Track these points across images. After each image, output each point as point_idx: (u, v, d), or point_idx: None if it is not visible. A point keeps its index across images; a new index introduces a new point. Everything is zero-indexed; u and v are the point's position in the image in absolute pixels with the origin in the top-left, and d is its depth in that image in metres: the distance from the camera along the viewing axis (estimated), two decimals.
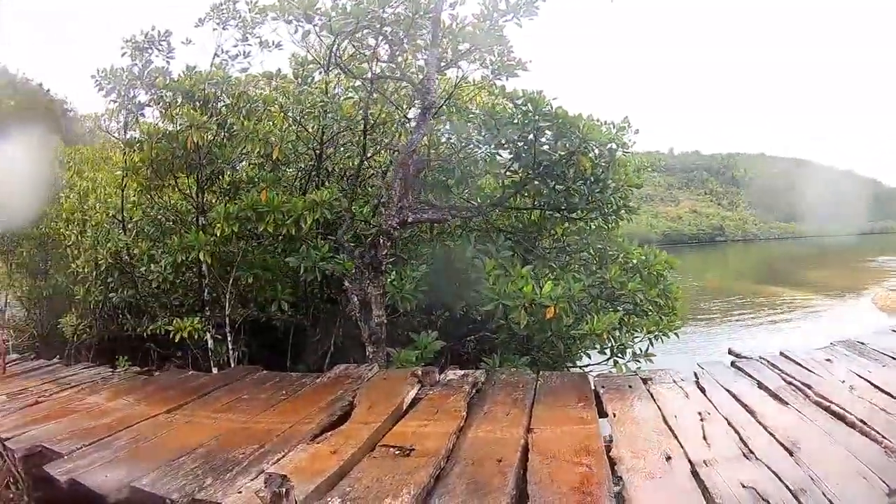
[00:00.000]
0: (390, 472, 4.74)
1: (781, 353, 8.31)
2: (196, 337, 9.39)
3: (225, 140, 9.62)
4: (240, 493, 4.75)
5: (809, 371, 7.46)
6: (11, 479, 6.75)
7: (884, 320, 20.34)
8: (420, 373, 7.36)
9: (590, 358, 9.52)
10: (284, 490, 4.24)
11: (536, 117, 8.59)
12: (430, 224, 9.67)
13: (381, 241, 8.45)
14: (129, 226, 11.24)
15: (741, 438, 5.36)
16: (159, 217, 10.95)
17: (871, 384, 6.90)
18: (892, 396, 6.45)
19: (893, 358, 8.18)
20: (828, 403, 6.16)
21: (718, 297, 30.35)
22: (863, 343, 9.04)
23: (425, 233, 9.94)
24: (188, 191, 10.44)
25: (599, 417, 6.06)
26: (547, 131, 8.74)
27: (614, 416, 6.02)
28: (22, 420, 7.60)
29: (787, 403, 6.35)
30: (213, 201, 10.29)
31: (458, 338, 9.35)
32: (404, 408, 6.43)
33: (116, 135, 12.08)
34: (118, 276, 11.24)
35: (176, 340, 9.45)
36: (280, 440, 5.78)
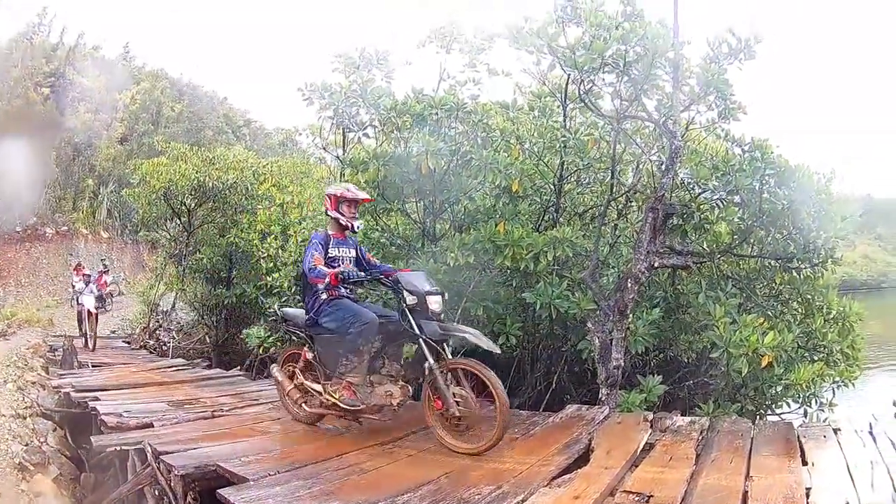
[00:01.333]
0: None
1: None
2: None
3: (460, 168, 9.44)
4: None
5: None
6: (156, 493, 6.31)
7: None
8: (651, 418, 7.26)
9: (789, 406, 9.34)
10: None
11: (762, 165, 8.45)
12: (677, 269, 9.38)
13: (630, 284, 8.27)
14: None
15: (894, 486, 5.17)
16: (382, 240, 10.69)
17: None
18: None
19: None
20: None
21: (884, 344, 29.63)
22: None
23: (659, 276, 9.68)
24: (416, 216, 10.31)
25: (802, 465, 5.84)
26: (771, 179, 8.55)
27: (812, 464, 5.82)
28: (191, 433, 7.34)
29: None
30: (444, 229, 10.17)
31: (673, 382, 9.14)
32: (638, 452, 6.19)
33: (329, 151, 11.99)
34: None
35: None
36: (518, 481, 5.40)
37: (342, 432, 7.48)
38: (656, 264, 8.46)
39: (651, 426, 7.00)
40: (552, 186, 9.90)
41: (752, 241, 9.20)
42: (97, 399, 9.21)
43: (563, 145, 9.26)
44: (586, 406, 8.04)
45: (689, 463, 5.77)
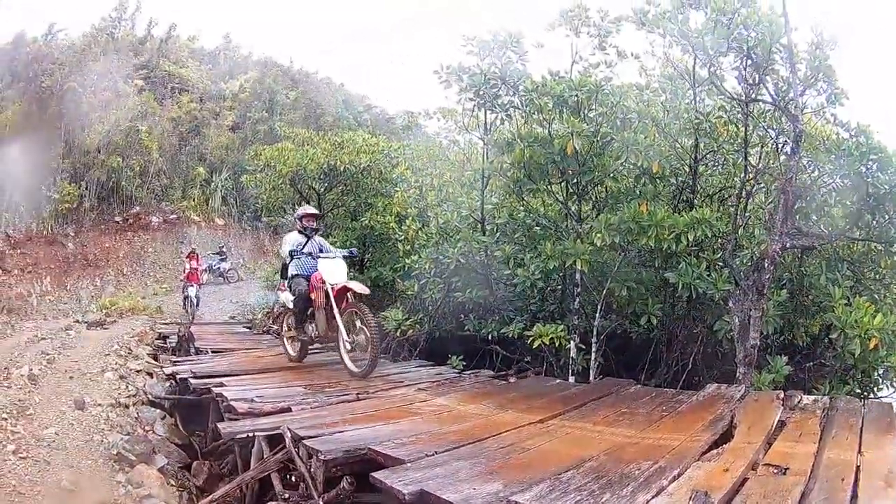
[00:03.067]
0: (774, 490, 4.71)
1: None
2: (557, 344, 9.46)
3: (601, 149, 9.71)
4: None
5: None
6: (291, 479, 6.43)
7: None
8: (782, 396, 7.58)
9: (887, 388, 9.67)
10: None
11: (867, 149, 8.70)
12: (806, 250, 9.63)
13: (766, 264, 8.52)
14: (490, 227, 11.40)
15: None
16: (527, 221, 11.01)
17: None
18: None
19: None
20: None
21: None
22: None
23: (784, 259, 9.77)
24: (561, 196, 10.50)
25: None
26: (874, 164, 8.81)
27: None
28: (334, 417, 7.39)
29: None
30: (586, 210, 10.38)
31: (794, 363, 9.30)
32: (773, 429, 6.44)
33: (471, 132, 12.46)
34: (464, 276, 11.28)
35: (534, 346, 9.51)
36: (672, 457, 5.56)
37: (493, 410, 7.72)
38: (787, 245, 8.71)
39: (783, 404, 7.32)
40: (688, 168, 10.22)
41: (860, 224, 9.27)
42: (222, 385, 9.30)
43: (695, 127, 9.62)
44: (725, 385, 8.35)
45: (815, 438, 6.07)
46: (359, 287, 10.38)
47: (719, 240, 9.28)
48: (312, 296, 10.97)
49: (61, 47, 38.27)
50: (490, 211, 11.55)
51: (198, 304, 22.76)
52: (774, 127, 9.87)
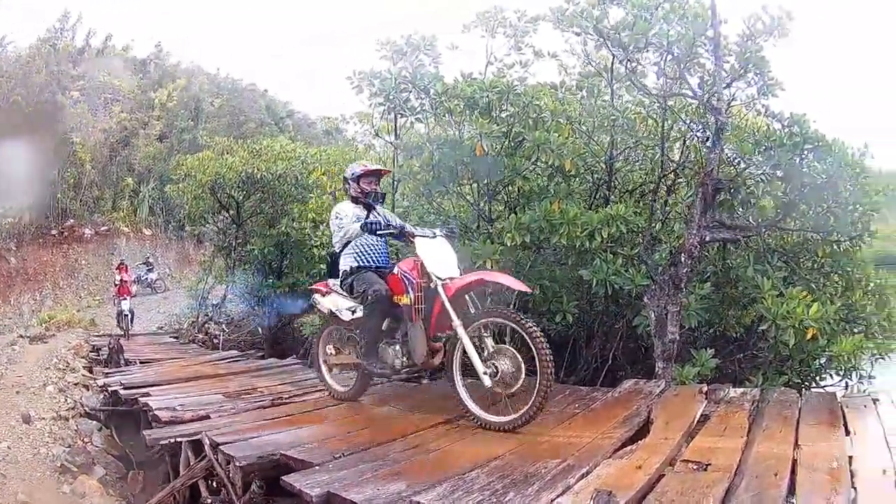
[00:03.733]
0: (692, 487, 4.67)
1: None
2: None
3: (513, 150, 9.58)
4: None
5: None
6: (213, 484, 6.53)
7: None
8: (706, 390, 7.40)
9: (831, 378, 9.40)
10: None
11: (801, 139, 8.67)
12: (727, 243, 9.60)
13: (683, 258, 8.43)
14: None
15: None
16: (438, 223, 10.41)
17: None
18: None
19: None
20: None
21: None
22: None
23: (708, 251, 9.77)
24: (471, 198, 10.49)
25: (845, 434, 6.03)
26: (809, 154, 8.80)
27: (854, 433, 6.01)
28: (249, 423, 7.46)
29: None
30: (498, 210, 10.32)
31: (723, 356, 9.23)
32: (695, 423, 6.36)
33: (381, 137, 12.17)
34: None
35: None
36: (582, 454, 5.49)
37: (403, 412, 7.70)
38: (707, 238, 8.63)
39: (706, 398, 7.19)
40: (604, 165, 10.07)
41: (795, 215, 9.31)
42: (148, 395, 9.31)
43: (612, 124, 9.43)
44: (643, 380, 8.24)
45: (742, 432, 5.98)
46: (508, 280, 6.88)
47: (638, 235, 9.17)
48: (400, 299, 7.32)
49: (10, 59, 38.86)
50: (401, 214, 10.98)
51: (132, 319, 22.04)
52: (698, 121, 9.67)
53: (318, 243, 13.07)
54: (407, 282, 7.23)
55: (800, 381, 8.97)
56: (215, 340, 18.15)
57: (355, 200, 8.16)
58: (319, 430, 6.99)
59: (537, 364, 6.20)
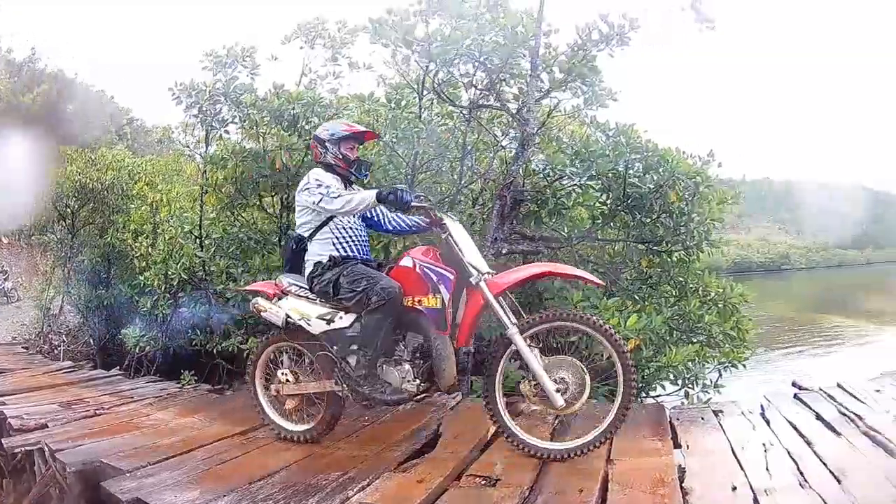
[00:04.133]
0: (476, 502, 4.67)
1: (838, 385, 8.00)
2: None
3: (314, 162, 9.28)
4: None
5: (861, 402, 7.20)
6: (58, 492, 6.28)
7: None
8: (505, 403, 6.89)
9: (664, 388, 9.32)
10: None
11: (627, 150, 8.61)
12: (526, 255, 9.28)
13: None
14: (207, 242, 11.12)
15: (798, 468, 5.19)
16: (241, 235, 10.77)
17: None
18: None
19: None
20: (874, 434, 5.94)
21: (786, 326, 30.20)
22: None
23: (517, 263, 9.19)
24: (273, 210, 10.49)
25: (674, 448, 5.88)
26: (637, 164, 8.74)
27: (687, 447, 5.87)
28: (78, 432, 7.33)
29: (840, 434, 6.11)
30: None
31: None
32: (489, 437, 6.19)
33: (194, 149, 12.23)
34: (190, 292, 11.13)
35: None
36: (365, 467, 5.49)
37: (206, 423, 7.54)
38: (504, 251, 8.54)
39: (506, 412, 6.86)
40: (407, 177, 9.82)
41: (617, 225, 9.42)
42: (4, 404, 9.05)
43: (416, 136, 9.20)
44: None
45: None
46: (581, 273, 5.67)
47: None
48: (422, 301, 5.47)
49: None
50: (208, 226, 11.25)
51: None
52: (507, 132, 9.84)
53: (139, 254, 12.71)
54: (436, 277, 5.42)
55: None
56: (56, 351, 17.77)
57: (330, 169, 6.15)
58: (132, 440, 6.92)
59: (620, 376, 5.28)
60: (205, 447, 6.48)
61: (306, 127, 9.44)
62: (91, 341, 16.54)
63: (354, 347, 5.71)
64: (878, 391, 7.65)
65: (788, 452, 5.59)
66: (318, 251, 5.91)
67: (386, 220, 6.27)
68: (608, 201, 9.23)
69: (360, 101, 10.51)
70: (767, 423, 6.66)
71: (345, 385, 5.86)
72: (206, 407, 8.66)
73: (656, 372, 8.67)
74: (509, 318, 5.29)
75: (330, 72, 10.79)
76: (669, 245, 9.31)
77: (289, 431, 6.42)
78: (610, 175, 8.80)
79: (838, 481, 4.84)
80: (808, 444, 5.84)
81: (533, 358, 5.25)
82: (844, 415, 6.70)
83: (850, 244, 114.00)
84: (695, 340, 8.95)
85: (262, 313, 6.30)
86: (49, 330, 18.94)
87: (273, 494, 5.00)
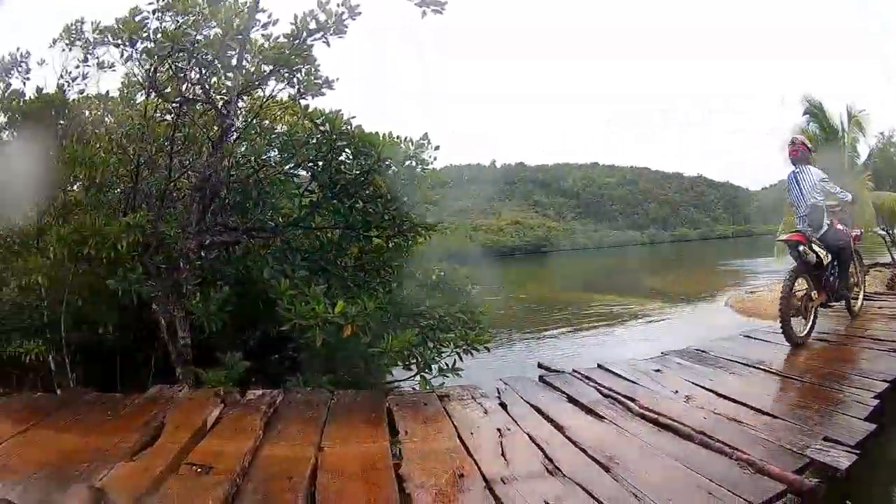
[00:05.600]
0: (193, 490, 4.88)
1: (599, 366, 8.89)
2: (41, 359, 8.99)
3: (59, 163, 9.46)
4: None
5: (633, 383, 7.96)
6: None
7: (742, 323, 19.04)
8: (223, 393, 7.54)
9: (392, 375, 9.77)
10: None
11: (334, 136, 8.94)
12: (230, 246, 9.65)
13: (181, 264, 8.66)
14: None
15: (546, 455, 5.61)
16: (8, 239, 10.27)
17: (716, 393, 7.42)
18: (740, 404, 6.89)
19: (743, 364, 8.87)
20: (654, 416, 6.50)
21: (546, 308, 29.95)
22: (703, 351, 9.77)
23: (231, 255, 9.91)
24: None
25: (392, 435, 6.25)
26: (345, 150, 9.15)
27: (406, 433, 6.24)
28: None
29: (603, 417, 6.67)
30: (47, 223, 9.99)
31: (265, 357, 9.42)
32: (208, 427, 6.52)
33: None
34: None
35: (27, 362, 8.88)
36: (106, 458, 5.58)
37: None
38: (207, 242, 8.86)
39: (222, 401, 7.29)
40: (132, 174, 9.97)
41: (326, 212, 9.50)
42: None
43: (139, 133, 9.72)
44: (167, 386, 8.18)
45: (253, 435, 6.16)
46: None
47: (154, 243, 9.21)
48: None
49: None
50: None
51: None
52: (211, 125, 9.88)
53: None
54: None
55: (350, 378, 9.09)
56: None
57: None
58: None
59: None
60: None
61: (56, 129, 9.76)
62: None
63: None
64: (658, 371, 8.61)
65: (531, 438, 6.07)
66: (825, 219, 10.46)
67: None
68: (316, 189, 9.55)
69: (99, 100, 10.80)
70: (504, 407, 7.20)
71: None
72: None
73: (379, 358, 8.82)
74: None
75: (81, 73, 10.50)
76: (380, 231, 9.59)
77: (795, 336, 9.96)
78: (318, 163, 9.19)
79: (606, 469, 5.29)
80: (559, 428, 6.37)
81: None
82: (609, 397, 7.44)
83: (635, 225, 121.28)
84: (418, 325, 8.99)
85: (805, 253, 10.21)
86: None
87: (48, 484, 5.02)
